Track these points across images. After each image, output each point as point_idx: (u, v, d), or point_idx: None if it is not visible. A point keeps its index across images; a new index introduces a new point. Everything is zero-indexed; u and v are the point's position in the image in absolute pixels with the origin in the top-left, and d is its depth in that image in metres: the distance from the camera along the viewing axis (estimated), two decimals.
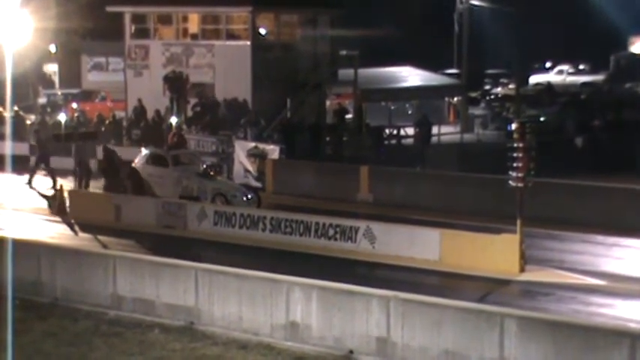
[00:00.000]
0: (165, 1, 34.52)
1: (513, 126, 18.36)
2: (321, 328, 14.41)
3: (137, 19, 35.23)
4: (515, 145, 17.91)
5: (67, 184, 24.82)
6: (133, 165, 24.67)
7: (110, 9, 35.52)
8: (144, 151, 25.11)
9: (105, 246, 20.38)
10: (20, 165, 29.73)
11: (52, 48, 41.71)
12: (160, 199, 23.14)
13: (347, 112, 33.80)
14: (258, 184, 25.77)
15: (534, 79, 48.16)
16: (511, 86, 41.89)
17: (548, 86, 44.34)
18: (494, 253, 18.21)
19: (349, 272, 17.98)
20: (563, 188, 22.66)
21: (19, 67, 34.93)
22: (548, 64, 50.57)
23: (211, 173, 24.31)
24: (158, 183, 23.99)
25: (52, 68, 43.40)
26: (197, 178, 23.74)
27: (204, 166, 24.53)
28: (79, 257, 17.31)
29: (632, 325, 14.22)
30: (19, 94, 37.60)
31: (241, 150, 27.66)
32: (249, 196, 23.23)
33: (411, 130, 33.35)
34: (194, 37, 34.62)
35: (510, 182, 18.03)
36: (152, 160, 24.46)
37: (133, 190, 23.87)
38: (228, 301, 15.28)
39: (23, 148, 31.12)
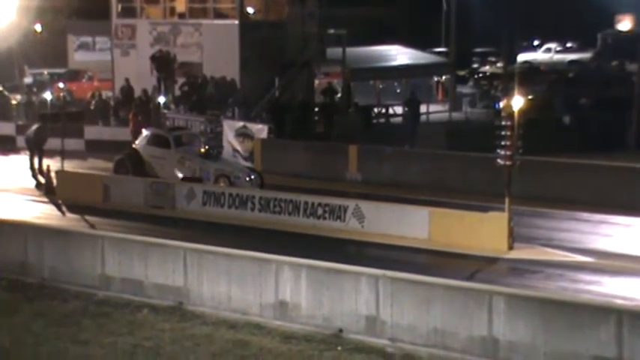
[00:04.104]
0: None
1: (501, 104, 18.35)
2: (311, 307, 14.44)
3: None
4: (503, 123, 17.92)
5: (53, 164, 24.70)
6: (134, 145, 24.56)
7: None
8: (145, 132, 24.97)
9: (93, 226, 20.32)
10: (5, 145, 29.62)
11: (38, 27, 41.32)
12: (148, 179, 23.08)
13: (336, 92, 33.71)
14: (247, 164, 25.71)
15: (522, 57, 48.13)
16: (499, 64, 41.87)
17: (534, 66, 44.33)
18: (483, 231, 18.27)
19: (338, 251, 18.02)
20: (551, 166, 22.71)
21: (4, 46, 34.70)
22: (535, 42, 50.53)
23: (213, 154, 24.28)
24: (160, 164, 23.89)
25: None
26: (199, 159, 23.64)
27: (206, 146, 24.43)
28: (67, 238, 17.26)
29: (619, 302, 14.32)
30: (4, 73, 37.33)
31: (229, 130, 27.56)
32: (252, 177, 23.20)
33: (399, 109, 33.29)
34: (181, 16, 34.34)
35: (498, 160, 18.04)
36: (153, 140, 24.30)
37: (134, 171, 23.77)
38: (218, 281, 15.29)
39: (8, 128, 30.95)
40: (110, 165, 24.81)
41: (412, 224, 18.90)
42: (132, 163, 24.02)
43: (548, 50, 48.42)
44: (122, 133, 28.98)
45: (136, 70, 33.28)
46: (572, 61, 46.47)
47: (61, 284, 16.68)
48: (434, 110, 35.39)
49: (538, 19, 48.85)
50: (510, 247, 18.12)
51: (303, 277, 14.56)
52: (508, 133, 17.85)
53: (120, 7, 34.87)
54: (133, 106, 30.19)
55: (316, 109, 31.85)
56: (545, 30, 49.04)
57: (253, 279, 14.95)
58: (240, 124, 27.77)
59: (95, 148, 28.91)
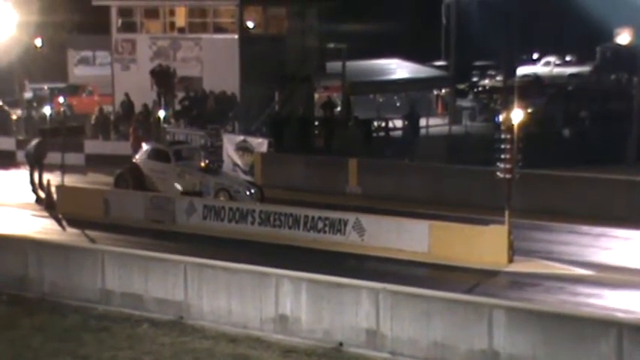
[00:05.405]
0: None
1: (501, 117, 18.41)
2: (311, 321, 14.43)
3: (124, 12, 35.07)
4: (503, 136, 17.96)
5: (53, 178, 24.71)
6: (134, 160, 24.60)
7: (96, 2, 35.34)
8: (145, 146, 25.02)
9: (93, 241, 20.33)
10: (5, 160, 29.66)
11: (38, 42, 41.51)
12: (149, 193, 23.10)
13: (336, 106, 33.80)
14: (247, 178, 25.74)
15: (522, 70, 48.27)
16: (499, 78, 41.97)
17: (536, 78, 44.50)
18: (483, 244, 18.27)
19: (338, 265, 18.00)
20: (550, 179, 22.74)
21: (4, 61, 34.79)
22: (535, 56, 50.69)
23: (213, 168, 24.28)
24: (160, 178, 23.92)
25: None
26: (199, 173, 23.67)
27: (206, 160, 24.44)
28: (67, 252, 17.26)
29: (620, 315, 14.29)
30: (5, 88, 37.43)
31: (230, 144, 27.61)
32: (252, 191, 23.23)
33: (399, 123, 33.37)
34: (181, 30, 34.51)
35: (498, 174, 18.08)
36: (153, 155, 24.34)
37: (134, 185, 23.79)
38: (218, 295, 15.28)
39: (8, 143, 30.99)
40: (110, 179, 24.86)
41: (412, 237, 18.90)
42: (132, 178, 24.06)
43: (548, 64, 48.57)
44: (122, 148, 29.03)
45: (136, 84, 33.38)
46: (571, 75, 46.62)
47: (61, 299, 16.66)
48: (434, 124, 35.45)
49: (537, 33, 49.01)
50: (510, 260, 18.11)
51: (303, 290, 14.55)
52: (508, 146, 17.89)
53: (120, 21, 35.03)
54: (133, 121, 30.28)
55: (316, 123, 31.90)
56: (545, 43, 49.20)
57: (253, 293, 14.94)
58: (241, 138, 27.82)
59: (95, 163, 28.93)
